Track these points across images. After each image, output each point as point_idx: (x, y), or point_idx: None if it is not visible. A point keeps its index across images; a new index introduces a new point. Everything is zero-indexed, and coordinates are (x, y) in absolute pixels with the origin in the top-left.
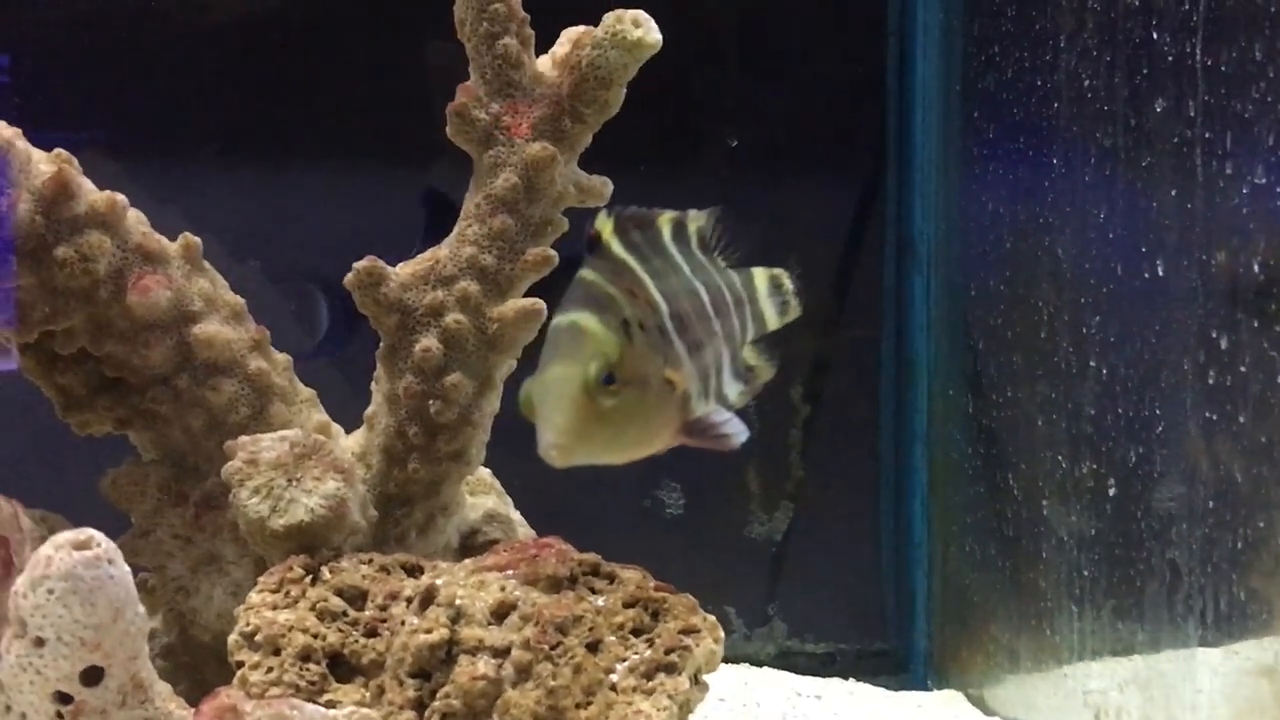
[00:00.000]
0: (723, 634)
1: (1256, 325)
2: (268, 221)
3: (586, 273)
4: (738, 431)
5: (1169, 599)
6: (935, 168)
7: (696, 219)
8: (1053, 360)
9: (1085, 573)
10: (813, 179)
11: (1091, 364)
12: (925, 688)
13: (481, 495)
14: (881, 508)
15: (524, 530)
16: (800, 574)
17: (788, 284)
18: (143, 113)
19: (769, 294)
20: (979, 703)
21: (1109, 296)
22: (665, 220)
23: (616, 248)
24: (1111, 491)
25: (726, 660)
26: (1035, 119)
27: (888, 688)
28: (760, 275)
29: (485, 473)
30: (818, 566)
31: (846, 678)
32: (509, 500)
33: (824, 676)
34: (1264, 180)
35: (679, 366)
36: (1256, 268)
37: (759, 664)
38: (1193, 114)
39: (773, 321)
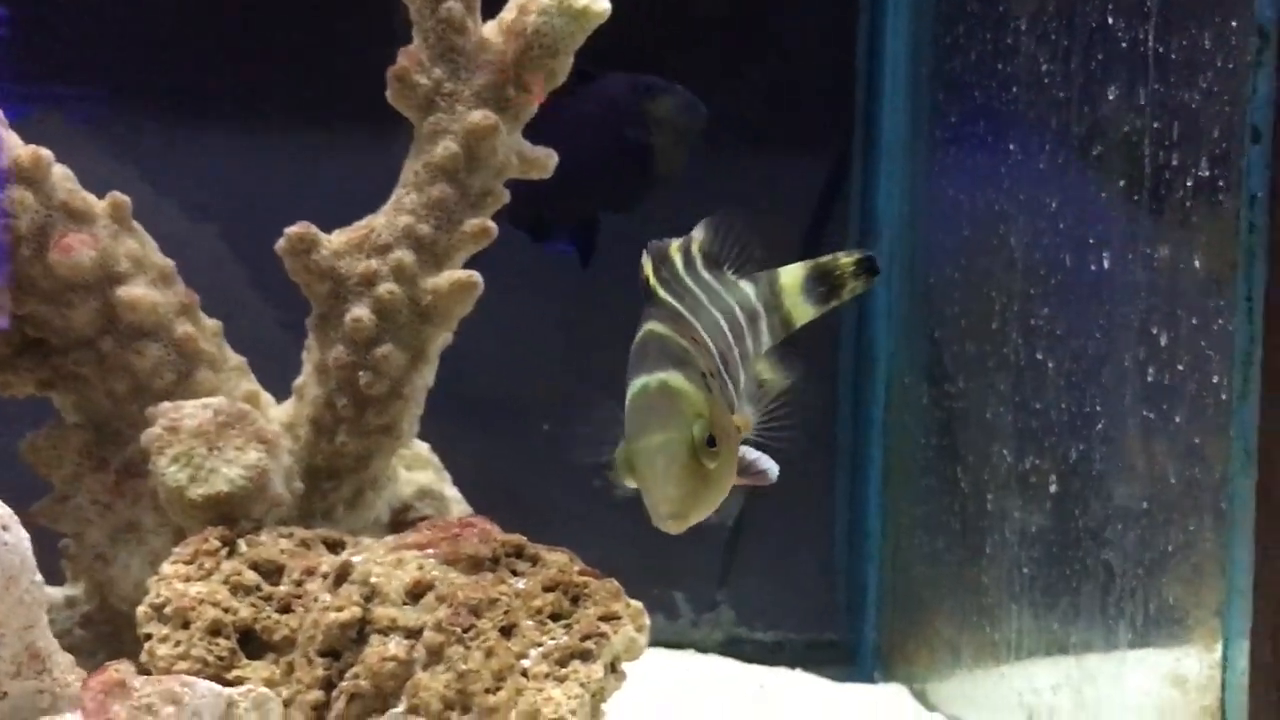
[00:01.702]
0: (647, 622)
1: (1195, 323)
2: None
3: (654, 326)
4: (770, 468)
5: (1102, 600)
6: (902, 151)
7: (698, 238)
8: (1003, 352)
9: (1025, 570)
10: (780, 158)
11: (1038, 356)
12: (872, 680)
13: (419, 471)
14: (836, 497)
15: (459, 508)
16: (750, 561)
17: (846, 266)
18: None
19: (803, 289)
20: (922, 698)
21: (1058, 288)
22: (675, 250)
23: (662, 293)
24: (1053, 488)
25: (672, 646)
26: (995, 104)
27: (835, 679)
28: (792, 273)
29: (423, 448)
30: (768, 554)
31: (794, 667)
32: (447, 477)
33: (771, 665)
34: (1207, 173)
35: (735, 409)
36: (1198, 263)
37: (705, 651)
38: (1143, 103)
39: (804, 314)
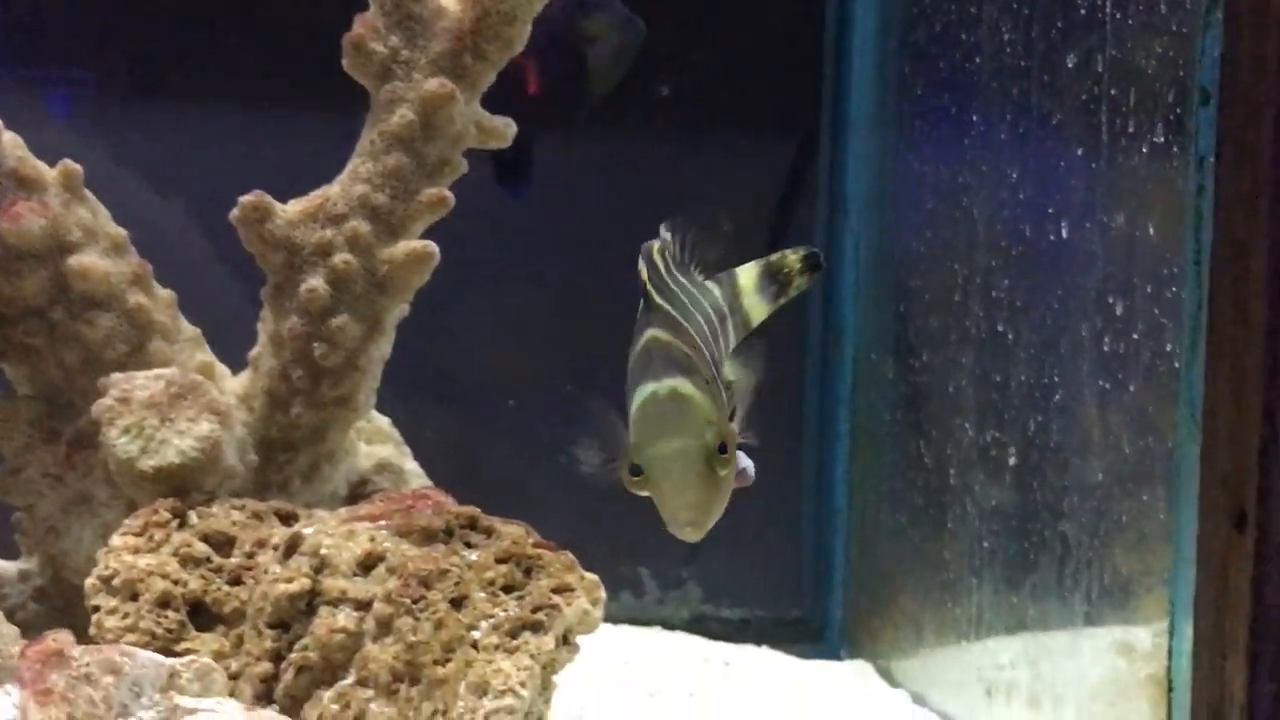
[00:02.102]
0: (602, 595)
1: (1150, 291)
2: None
3: (657, 332)
4: (748, 466)
5: (1059, 573)
6: (870, 126)
7: (664, 240)
8: (964, 325)
9: (985, 544)
10: (747, 134)
11: (999, 329)
12: (839, 658)
13: (379, 445)
14: (803, 473)
15: (420, 482)
16: (717, 538)
17: (794, 263)
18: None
19: (758, 289)
20: (886, 674)
21: (1018, 260)
22: (657, 253)
23: (658, 299)
24: (1012, 461)
25: (638, 623)
26: (959, 75)
27: (801, 656)
28: (748, 272)
29: (383, 422)
30: (735, 531)
31: (760, 644)
32: (407, 451)
33: (738, 643)
34: (1162, 139)
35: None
36: (1152, 230)
37: (672, 628)
38: (1100, 69)
39: (760, 313)
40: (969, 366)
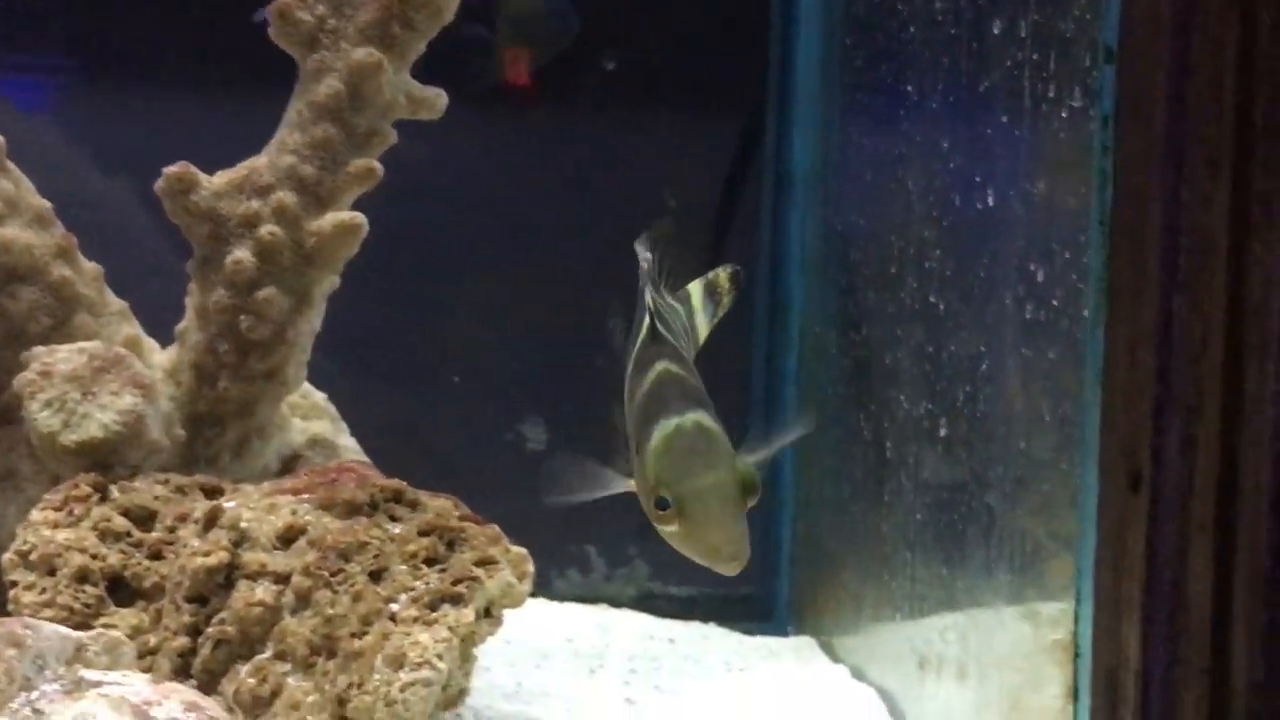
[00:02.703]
0: (530, 568)
1: (1068, 257)
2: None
3: (667, 366)
4: None
5: (985, 543)
6: (815, 100)
7: (648, 260)
8: (900, 297)
9: (919, 517)
10: (692, 107)
11: (931, 300)
12: (785, 634)
13: (314, 420)
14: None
15: (354, 457)
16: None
17: (724, 281)
18: None
19: (703, 306)
20: (829, 650)
21: (949, 230)
22: (649, 279)
23: (662, 330)
24: (943, 432)
25: (584, 600)
26: (895, 45)
27: (748, 634)
28: (695, 290)
29: (319, 397)
30: None
31: (708, 622)
32: (343, 427)
33: (685, 620)
34: (1080, 103)
35: None
36: (1071, 196)
37: (619, 605)
38: (1024, 34)
39: (705, 330)
40: (904, 339)
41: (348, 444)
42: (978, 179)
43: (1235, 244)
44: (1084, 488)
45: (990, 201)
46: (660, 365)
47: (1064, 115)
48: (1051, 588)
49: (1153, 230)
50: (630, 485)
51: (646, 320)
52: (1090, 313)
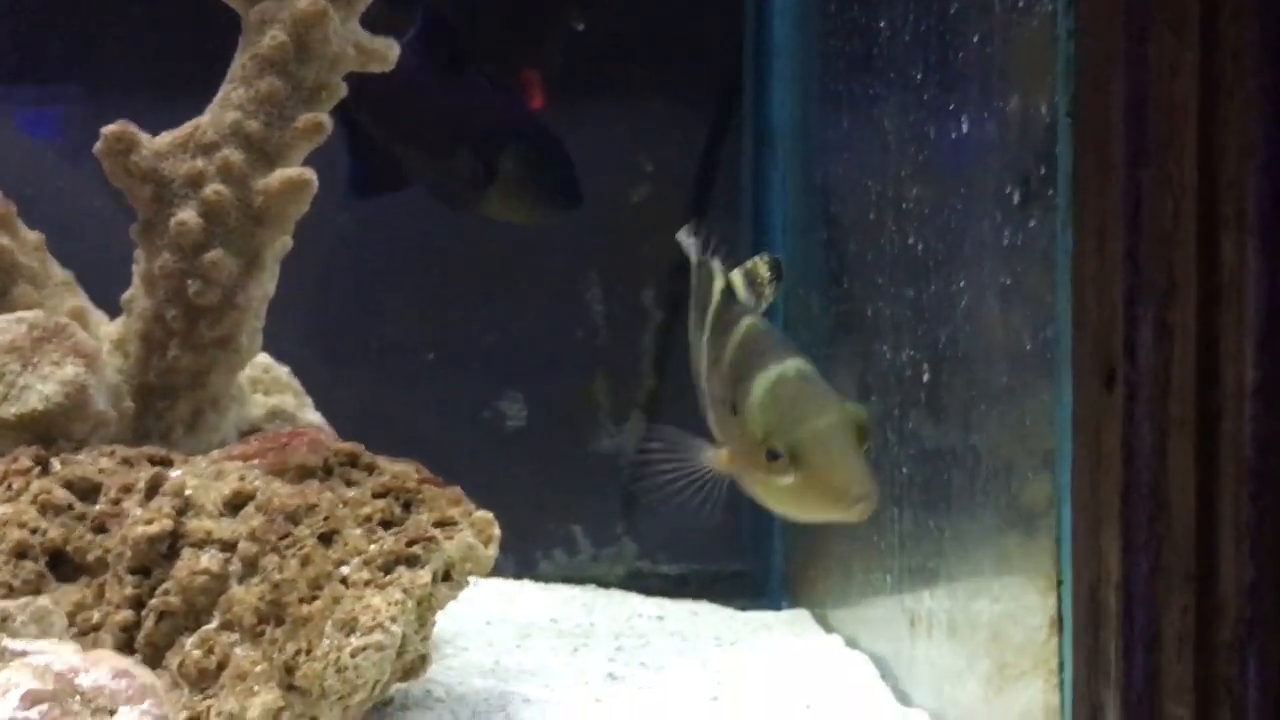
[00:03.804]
0: (496, 532)
1: (1043, 172)
2: None
3: (755, 320)
4: None
5: (971, 489)
6: (792, 48)
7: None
8: (880, 243)
9: (904, 470)
10: (667, 67)
11: (910, 241)
12: (779, 609)
13: (277, 395)
14: None
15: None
16: (653, 490)
17: (763, 271)
18: None
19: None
20: (823, 621)
21: (925, 164)
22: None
23: (742, 295)
24: (925, 378)
25: (572, 581)
26: None
27: (740, 610)
28: (736, 278)
29: (282, 371)
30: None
31: (699, 599)
32: (308, 401)
33: (676, 599)
34: (1050, 6)
35: None
36: (1043, 107)
37: (607, 585)
38: None
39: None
40: (884, 286)
41: (312, 418)
42: (951, 106)
43: (1205, 108)
44: (1059, 397)
45: (965, 128)
46: (746, 320)
47: (1034, 25)
48: (1035, 519)
49: (1116, 103)
50: (714, 455)
51: (719, 284)
52: (1060, 210)
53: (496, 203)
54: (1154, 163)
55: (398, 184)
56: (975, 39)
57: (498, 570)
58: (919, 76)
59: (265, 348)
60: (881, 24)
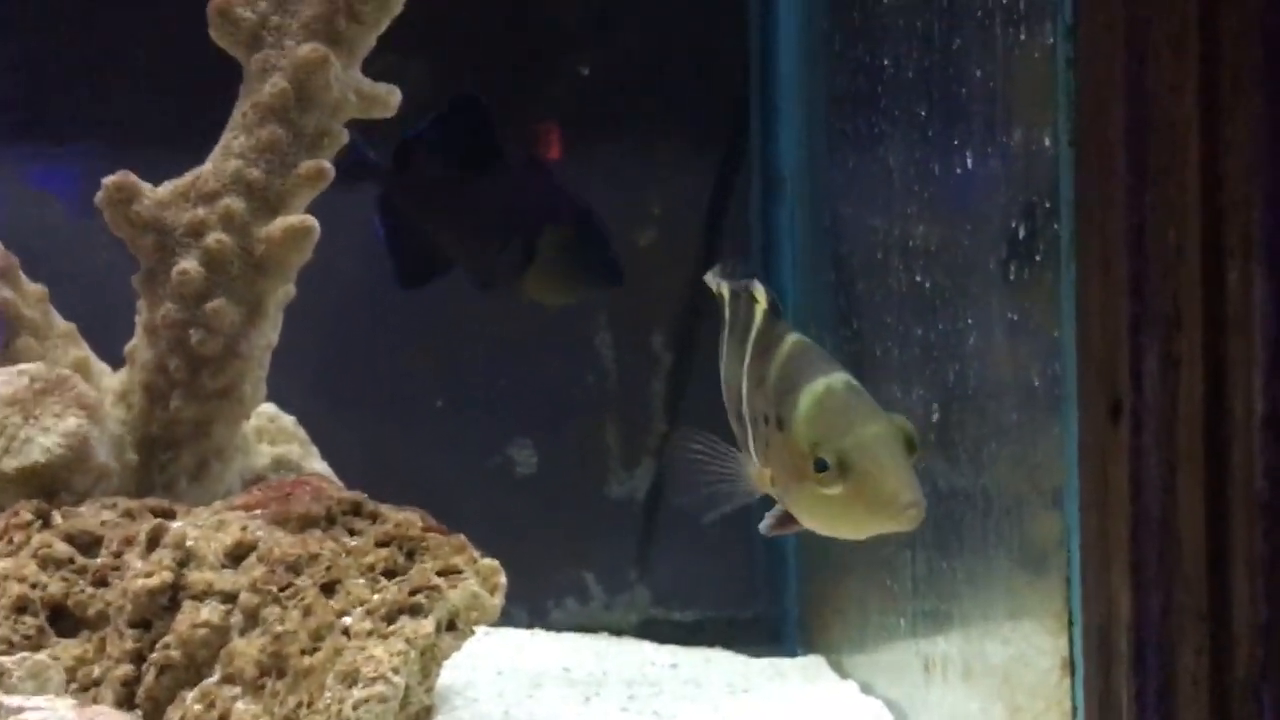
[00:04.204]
0: (503, 580)
1: (1048, 206)
2: None
3: (797, 336)
4: None
5: (983, 530)
6: (798, 88)
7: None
8: (888, 282)
9: None
10: (673, 110)
11: (917, 279)
12: (795, 655)
13: (282, 444)
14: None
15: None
16: (664, 536)
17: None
18: None
19: None
20: (838, 667)
21: (930, 201)
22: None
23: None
24: (935, 417)
25: (584, 630)
26: (872, 20)
27: (755, 657)
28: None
29: (289, 421)
30: (682, 528)
31: (713, 646)
32: (315, 451)
33: (690, 646)
34: (1050, 40)
35: None
36: (1047, 140)
37: (619, 634)
38: None
39: None
40: (893, 325)
41: (318, 467)
42: (956, 141)
43: (1206, 130)
44: (1066, 431)
45: (969, 164)
46: (791, 338)
47: (1036, 55)
48: (1046, 558)
49: (1117, 128)
50: (758, 474)
51: (762, 304)
52: (1063, 241)
53: (535, 286)
54: (1156, 188)
55: (444, 269)
56: (978, 74)
57: (509, 619)
58: (923, 113)
59: (273, 397)
60: (885, 61)
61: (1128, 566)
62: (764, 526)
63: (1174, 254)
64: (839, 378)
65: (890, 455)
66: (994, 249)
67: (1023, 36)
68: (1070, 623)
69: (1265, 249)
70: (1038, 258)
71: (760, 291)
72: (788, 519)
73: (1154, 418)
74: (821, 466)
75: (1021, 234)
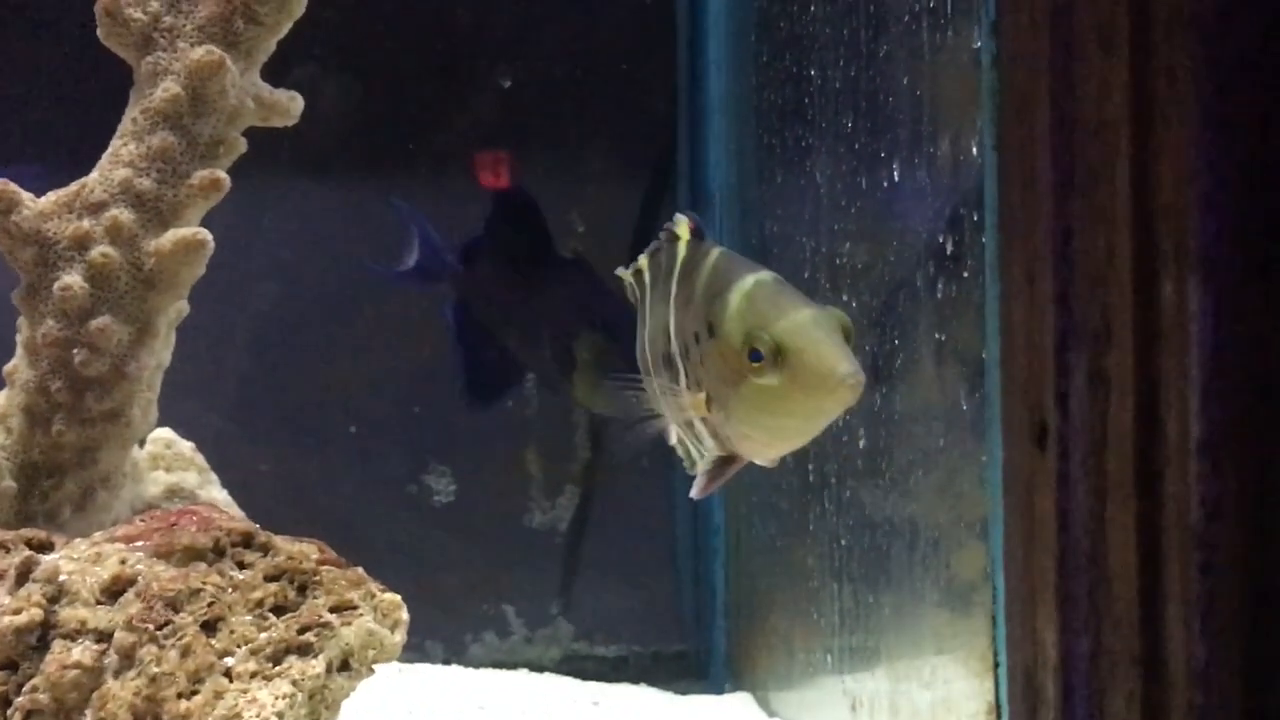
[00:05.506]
0: (404, 616)
1: (976, 219)
2: None
3: (725, 250)
4: None
5: (909, 561)
6: (726, 103)
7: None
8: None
9: (843, 541)
10: (598, 125)
11: (845, 298)
12: (722, 692)
13: (178, 471)
14: (677, 492)
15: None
16: (588, 568)
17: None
18: None
19: None
20: (765, 704)
21: (857, 215)
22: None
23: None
24: (862, 443)
25: (503, 665)
26: (799, 29)
27: (681, 693)
28: None
29: (186, 447)
30: (607, 559)
31: (638, 683)
32: (214, 479)
33: (614, 682)
34: (978, 43)
35: None
36: (974, 149)
37: (540, 669)
38: None
39: None
40: None
41: (216, 496)
42: (882, 153)
43: (1138, 132)
44: (991, 458)
45: (896, 175)
46: (716, 250)
47: (963, 58)
48: (971, 594)
49: (1043, 130)
50: (690, 399)
51: (685, 234)
52: (987, 252)
53: (582, 391)
54: (1084, 194)
55: (518, 379)
56: (905, 80)
57: (424, 655)
58: (850, 125)
59: (180, 422)
60: (812, 72)
61: (1054, 605)
62: (695, 488)
63: (1103, 264)
64: (767, 274)
65: (825, 333)
66: (921, 265)
67: (949, 39)
68: (996, 664)
69: (1201, 259)
70: (965, 274)
71: (682, 223)
72: (719, 470)
73: (1082, 442)
74: (756, 358)
75: (949, 248)
